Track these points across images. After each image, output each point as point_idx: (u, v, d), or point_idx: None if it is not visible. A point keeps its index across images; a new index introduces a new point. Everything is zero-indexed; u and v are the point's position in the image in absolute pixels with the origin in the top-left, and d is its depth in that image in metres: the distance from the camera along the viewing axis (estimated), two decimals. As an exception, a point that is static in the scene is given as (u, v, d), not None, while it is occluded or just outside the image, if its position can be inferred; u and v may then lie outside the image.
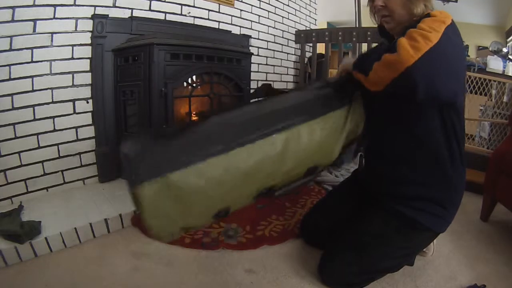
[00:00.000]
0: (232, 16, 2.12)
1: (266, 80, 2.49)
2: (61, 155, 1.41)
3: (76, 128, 1.44)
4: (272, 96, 0.97)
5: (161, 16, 1.69)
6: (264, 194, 0.83)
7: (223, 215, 0.78)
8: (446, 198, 0.87)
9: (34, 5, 1.23)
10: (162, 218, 0.69)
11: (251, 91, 2.00)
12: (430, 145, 0.84)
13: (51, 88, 1.33)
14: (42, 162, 1.35)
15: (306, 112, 0.85)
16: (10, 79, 1.21)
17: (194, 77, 1.63)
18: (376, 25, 0.96)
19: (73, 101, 1.41)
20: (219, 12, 2.03)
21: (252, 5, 2.27)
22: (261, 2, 2.36)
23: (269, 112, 0.83)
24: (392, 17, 0.86)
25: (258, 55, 2.37)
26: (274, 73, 2.57)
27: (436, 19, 0.74)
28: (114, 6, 1.48)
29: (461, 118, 0.85)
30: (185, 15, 1.82)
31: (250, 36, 2.22)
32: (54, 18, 1.29)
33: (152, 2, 1.64)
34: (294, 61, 2.81)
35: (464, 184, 0.91)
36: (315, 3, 3.08)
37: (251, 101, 0.98)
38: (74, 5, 1.34)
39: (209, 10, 1.96)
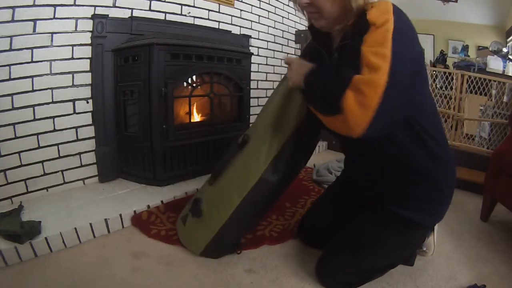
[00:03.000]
0: (232, 16, 2.13)
1: (266, 80, 2.49)
2: (61, 155, 1.41)
3: (76, 128, 1.44)
4: None
5: (161, 16, 1.69)
6: None
7: None
8: (434, 193, 0.85)
9: (34, 5, 1.23)
10: None
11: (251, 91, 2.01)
12: (404, 151, 0.79)
13: (51, 88, 1.33)
14: (42, 162, 1.35)
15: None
16: (10, 79, 1.21)
17: (194, 77, 1.63)
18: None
19: (73, 101, 1.41)
20: (219, 12, 2.03)
21: (252, 5, 2.27)
22: (261, 2, 2.36)
23: None
24: (320, 14, 0.75)
25: (258, 55, 2.37)
26: (274, 73, 2.57)
27: (379, 31, 0.63)
28: (114, 6, 1.48)
29: (429, 114, 0.79)
30: (185, 15, 1.82)
31: (250, 36, 2.22)
32: (54, 18, 1.29)
33: (152, 2, 1.64)
34: (294, 61, 2.80)
35: (455, 178, 0.88)
36: (315, 3, 3.08)
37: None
38: (74, 5, 1.34)
39: (209, 10, 1.96)
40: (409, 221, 0.86)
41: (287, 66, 0.89)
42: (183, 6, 1.80)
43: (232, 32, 2.07)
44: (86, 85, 1.44)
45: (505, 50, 2.36)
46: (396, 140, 0.78)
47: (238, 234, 1.05)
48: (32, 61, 1.26)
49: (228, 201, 0.99)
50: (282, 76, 2.64)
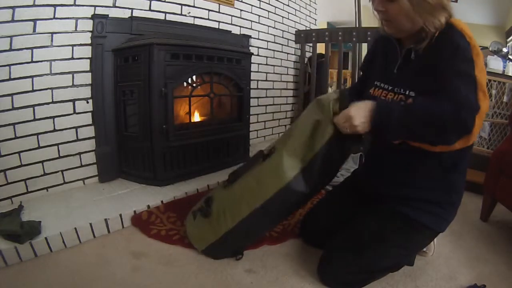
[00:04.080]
0: (232, 16, 2.13)
1: (266, 80, 2.49)
2: (61, 155, 1.41)
3: (76, 128, 1.44)
4: None
5: (161, 16, 1.69)
6: None
7: None
8: (447, 199, 0.87)
9: (34, 5, 1.23)
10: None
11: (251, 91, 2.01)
12: (432, 151, 0.81)
13: (51, 88, 1.33)
14: (42, 162, 1.35)
15: None
16: (10, 79, 1.21)
17: (194, 77, 1.63)
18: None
19: (73, 101, 1.41)
20: (219, 12, 2.03)
21: (252, 5, 2.27)
22: (261, 2, 2.36)
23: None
24: (392, 23, 0.81)
25: (258, 55, 2.37)
26: (274, 73, 2.57)
27: (480, 58, 0.71)
28: (114, 6, 1.48)
29: None
30: (185, 15, 1.82)
31: (250, 36, 2.22)
32: (54, 18, 1.29)
33: (152, 2, 1.64)
34: (294, 61, 2.81)
35: (464, 184, 0.91)
36: (315, 3, 3.08)
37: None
38: (74, 5, 1.34)
39: (209, 10, 1.96)
40: (416, 223, 0.86)
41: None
42: (183, 6, 1.80)
43: (232, 32, 2.07)
44: (86, 85, 1.44)
45: (505, 50, 2.35)
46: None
47: (241, 244, 1.04)
48: (32, 61, 1.26)
49: (237, 210, 0.96)
50: (282, 76, 2.66)
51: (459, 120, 0.68)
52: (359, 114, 0.78)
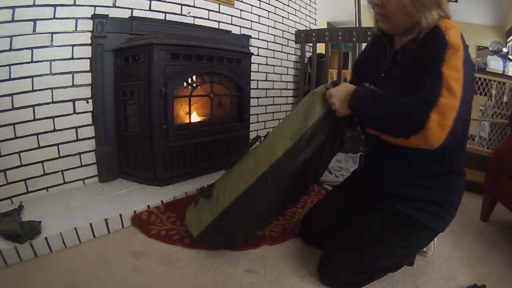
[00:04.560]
0: (232, 16, 2.12)
1: (266, 80, 2.49)
2: (61, 155, 1.41)
3: (76, 128, 1.44)
4: None
5: (161, 16, 1.69)
6: None
7: None
8: (447, 199, 0.87)
9: (34, 5, 1.23)
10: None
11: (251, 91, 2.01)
12: (431, 151, 0.81)
13: (51, 88, 1.33)
14: (42, 162, 1.35)
15: None
16: (10, 79, 1.21)
17: (194, 77, 1.63)
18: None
19: (73, 101, 1.41)
20: (219, 12, 2.03)
21: (252, 5, 2.27)
22: (261, 2, 2.36)
23: None
24: (388, 19, 0.81)
25: (258, 55, 2.37)
26: (274, 73, 2.57)
27: (456, 56, 0.69)
28: (114, 6, 1.48)
29: (466, 131, 0.86)
30: (185, 15, 1.82)
31: (250, 36, 2.22)
32: (54, 18, 1.29)
33: (152, 2, 1.64)
34: (294, 61, 2.81)
35: (465, 184, 0.91)
36: (315, 3, 3.08)
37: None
38: (74, 5, 1.34)
39: (209, 10, 1.96)
40: (416, 223, 0.86)
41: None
42: (183, 6, 1.80)
43: (232, 32, 2.07)
44: (86, 85, 1.44)
45: (505, 50, 2.35)
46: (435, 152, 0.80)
47: (235, 231, 1.02)
48: (32, 61, 1.26)
49: (234, 189, 0.98)
50: (282, 76, 2.66)
51: (412, 111, 0.69)
52: (339, 94, 0.84)
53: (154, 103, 1.42)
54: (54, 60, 1.32)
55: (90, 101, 1.47)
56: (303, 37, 2.69)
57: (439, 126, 0.66)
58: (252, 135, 2.29)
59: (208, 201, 1.04)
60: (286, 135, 0.94)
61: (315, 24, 3.14)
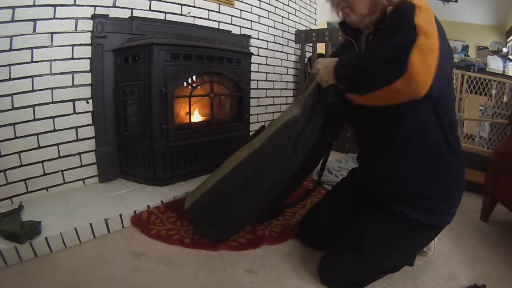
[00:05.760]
0: (232, 16, 2.13)
1: (266, 80, 2.49)
2: (61, 155, 1.41)
3: (76, 128, 1.44)
4: None
5: (161, 16, 1.69)
6: None
7: None
8: (447, 194, 0.86)
9: (34, 5, 1.23)
10: None
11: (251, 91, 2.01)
12: (426, 141, 0.81)
13: (51, 88, 1.33)
14: (42, 162, 1.35)
15: None
16: (10, 79, 1.21)
17: (194, 77, 1.63)
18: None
19: (73, 101, 1.41)
20: (219, 12, 2.03)
21: (252, 5, 2.27)
22: (261, 2, 2.36)
23: None
24: (352, 8, 0.82)
25: (258, 55, 2.37)
26: (274, 73, 2.57)
27: (426, 13, 0.69)
28: (114, 6, 1.48)
29: (452, 111, 0.84)
30: (185, 15, 1.82)
31: (250, 36, 2.22)
32: (54, 18, 1.29)
33: (152, 2, 1.64)
34: (294, 61, 2.81)
35: (465, 179, 0.89)
36: (315, 3, 3.08)
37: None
38: (74, 5, 1.34)
39: (209, 10, 1.96)
40: (416, 222, 0.86)
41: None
42: (183, 6, 1.80)
43: (232, 32, 2.07)
44: (86, 85, 1.44)
45: (505, 50, 2.36)
46: (423, 119, 0.79)
47: (219, 210, 1.05)
48: (32, 61, 1.26)
49: (227, 165, 1.03)
50: (282, 76, 2.66)
51: (393, 54, 0.67)
52: (322, 62, 0.86)
53: (154, 103, 1.42)
54: (54, 60, 1.32)
55: (90, 101, 1.47)
56: (303, 37, 2.69)
57: (423, 64, 0.63)
58: (252, 135, 2.31)
59: (204, 181, 1.12)
60: (285, 114, 0.98)
61: (315, 24, 3.14)
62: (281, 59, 2.64)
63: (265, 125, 1.10)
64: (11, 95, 1.22)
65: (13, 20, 1.18)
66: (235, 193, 1.01)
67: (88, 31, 1.40)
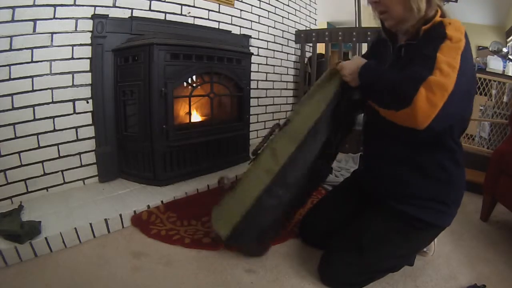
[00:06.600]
0: (232, 16, 2.13)
1: (266, 80, 2.49)
2: (61, 155, 1.41)
3: (76, 128, 1.44)
4: None
5: (161, 16, 1.69)
6: None
7: None
8: (448, 195, 0.86)
9: (34, 5, 1.23)
10: None
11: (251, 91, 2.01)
12: (430, 146, 0.83)
13: (51, 88, 1.33)
14: (42, 162, 1.35)
15: None
16: (10, 79, 1.21)
17: (194, 77, 1.63)
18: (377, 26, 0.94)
19: (73, 101, 1.41)
20: (219, 12, 2.03)
21: (252, 5, 2.27)
22: (261, 2, 2.36)
23: None
24: (389, 13, 0.83)
25: (258, 55, 2.37)
26: (274, 73, 2.57)
27: (453, 46, 0.70)
28: (114, 6, 1.48)
29: (465, 123, 0.86)
30: (185, 15, 1.82)
31: (250, 36, 2.22)
32: (54, 18, 1.29)
33: (152, 2, 1.64)
34: (294, 61, 2.81)
35: (465, 180, 0.90)
36: (315, 3, 3.08)
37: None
38: (74, 5, 1.34)
39: (209, 10, 1.96)
40: (417, 221, 0.86)
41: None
42: (183, 6, 1.80)
43: (232, 32, 2.07)
44: (86, 85, 1.44)
45: (505, 50, 2.36)
46: (434, 138, 0.81)
47: (273, 217, 0.97)
48: (32, 61, 1.26)
49: (266, 172, 0.94)
50: (282, 76, 2.66)
51: (402, 84, 0.70)
52: (349, 66, 0.89)
53: (154, 103, 1.42)
54: (54, 60, 1.32)
55: (90, 101, 1.47)
56: (303, 37, 2.69)
57: (427, 102, 0.66)
58: (252, 135, 2.31)
59: (233, 194, 0.99)
60: (315, 106, 0.96)
61: (315, 24, 3.14)
62: (281, 59, 2.64)
63: (279, 124, 1.06)
64: (11, 95, 1.22)
65: (13, 20, 1.18)
66: (279, 204, 0.96)
67: (88, 31, 1.40)
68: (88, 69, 1.43)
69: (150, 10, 1.64)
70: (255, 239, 0.98)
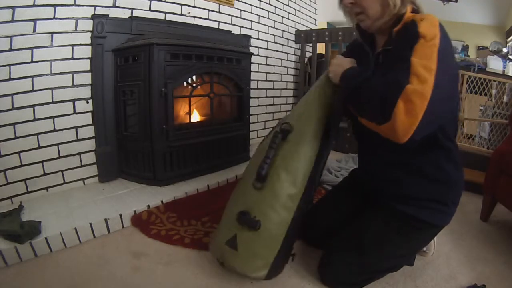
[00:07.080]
0: (232, 16, 2.13)
1: (266, 80, 2.49)
2: (61, 155, 1.41)
3: (76, 128, 1.44)
4: None
5: (161, 16, 1.69)
6: None
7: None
8: (447, 195, 0.86)
9: (34, 5, 1.23)
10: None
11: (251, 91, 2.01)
12: (424, 147, 0.81)
13: (51, 88, 1.33)
14: (42, 162, 1.35)
15: None
16: (10, 79, 1.21)
17: (194, 77, 1.63)
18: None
19: (73, 101, 1.41)
20: (219, 12, 2.03)
21: (252, 5, 2.28)
22: (261, 2, 2.36)
23: None
24: (366, 14, 0.80)
25: (258, 55, 2.37)
26: (274, 73, 2.58)
27: (428, 44, 0.67)
28: (114, 6, 1.48)
29: (454, 122, 0.85)
30: (185, 15, 1.82)
31: (250, 36, 2.22)
32: (54, 18, 1.29)
33: (152, 2, 1.64)
34: (294, 61, 2.81)
35: (463, 178, 0.90)
36: (315, 3, 3.08)
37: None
38: (74, 5, 1.34)
39: (209, 10, 1.96)
40: (417, 221, 0.86)
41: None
42: (183, 6, 1.80)
43: (232, 32, 2.07)
44: (86, 85, 1.44)
45: (505, 50, 2.36)
46: (426, 138, 0.78)
47: (296, 232, 0.95)
48: (32, 61, 1.26)
49: (289, 198, 0.88)
50: (282, 76, 2.66)
51: (380, 99, 0.67)
52: (335, 65, 0.86)
53: (154, 103, 1.42)
54: (54, 60, 1.32)
55: (90, 101, 1.47)
56: (303, 37, 2.69)
57: (407, 114, 0.62)
58: (252, 135, 2.31)
59: (257, 232, 0.86)
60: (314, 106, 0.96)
61: (315, 24, 3.14)
62: (281, 59, 2.64)
63: (278, 130, 1.00)
64: (11, 95, 1.22)
65: (13, 20, 1.18)
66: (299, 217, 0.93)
67: (88, 31, 1.40)
68: (88, 69, 1.43)
69: (150, 10, 1.64)
70: (286, 261, 0.96)
